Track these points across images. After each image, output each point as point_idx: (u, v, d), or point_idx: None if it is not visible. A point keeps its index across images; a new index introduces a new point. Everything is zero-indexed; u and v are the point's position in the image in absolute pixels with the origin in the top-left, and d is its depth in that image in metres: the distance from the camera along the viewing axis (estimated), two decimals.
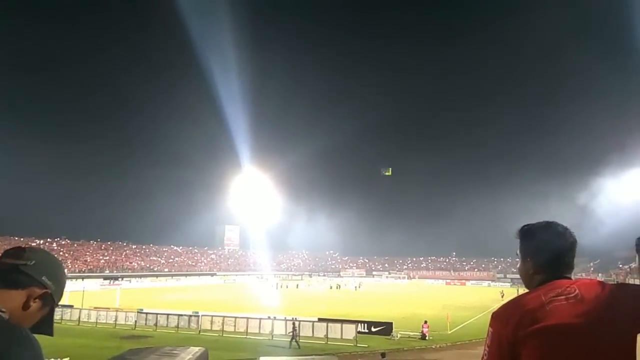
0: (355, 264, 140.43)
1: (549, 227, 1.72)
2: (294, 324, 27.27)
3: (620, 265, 75.73)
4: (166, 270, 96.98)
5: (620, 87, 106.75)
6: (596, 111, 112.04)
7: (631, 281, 57.17)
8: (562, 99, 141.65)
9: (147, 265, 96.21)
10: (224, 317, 31.45)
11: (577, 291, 1.53)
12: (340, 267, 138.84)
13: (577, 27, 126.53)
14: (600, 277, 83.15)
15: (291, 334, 26.51)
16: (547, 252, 1.67)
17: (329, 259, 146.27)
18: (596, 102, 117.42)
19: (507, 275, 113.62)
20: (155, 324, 32.41)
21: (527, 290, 1.69)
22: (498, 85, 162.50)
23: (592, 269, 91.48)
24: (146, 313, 34.37)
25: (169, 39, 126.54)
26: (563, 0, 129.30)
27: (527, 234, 1.74)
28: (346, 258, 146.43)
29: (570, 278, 1.63)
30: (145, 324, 32.80)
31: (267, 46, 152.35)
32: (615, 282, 1.76)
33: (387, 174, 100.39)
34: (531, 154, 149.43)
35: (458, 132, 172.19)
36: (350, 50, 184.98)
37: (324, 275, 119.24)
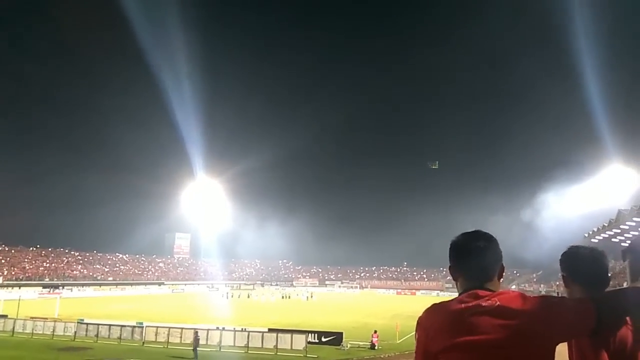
0: (308, 274, 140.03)
1: (469, 236, 1.72)
2: (196, 332, 26.74)
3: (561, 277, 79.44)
4: (110, 279, 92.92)
5: (564, 106, 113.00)
6: (542, 128, 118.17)
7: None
8: (510, 114, 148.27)
9: (90, 274, 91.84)
10: (170, 328, 30.41)
11: (498, 303, 1.53)
12: (293, 276, 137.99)
13: (522, 47, 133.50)
14: (542, 288, 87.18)
15: (193, 343, 25.81)
16: (467, 262, 1.68)
17: (282, 269, 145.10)
18: (542, 119, 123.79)
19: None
20: (97, 335, 31.02)
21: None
22: (450, 98, 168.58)
23: (535, 279, 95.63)
24: (87, 323, 32.93)
25: (116, 42, 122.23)
26: (510, 19, 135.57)
27: (452, 244, 1.75)
28: (299, 267, 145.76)
29: (492, 289, 1.62)
30: (86, 335, 31.40)
31: (221, 52, 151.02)
32: (539, 294, 1.81)
33: (433, 167, 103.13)
34: (480, 168, 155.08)
35: (410, 143, 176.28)
36: (304, 57, 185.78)
37: (277, 285, 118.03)
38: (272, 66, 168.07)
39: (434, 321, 1.59)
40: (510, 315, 1.50)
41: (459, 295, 1.66)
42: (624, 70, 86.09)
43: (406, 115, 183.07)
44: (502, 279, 1.72)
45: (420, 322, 1.64)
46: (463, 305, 1.57)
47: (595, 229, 53.47)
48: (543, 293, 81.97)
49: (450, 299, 1.68)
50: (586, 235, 58.75)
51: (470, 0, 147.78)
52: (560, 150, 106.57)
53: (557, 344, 1.58)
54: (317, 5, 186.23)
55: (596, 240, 55.71)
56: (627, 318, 1.79)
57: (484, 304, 1.55)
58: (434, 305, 1.66)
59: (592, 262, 1.95)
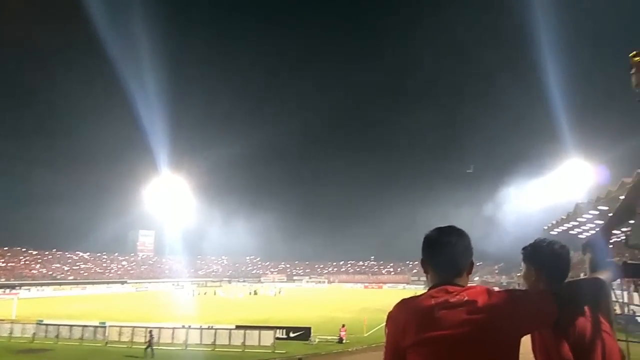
0: (276, 270, 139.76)
1: (442, 231, 1.75)
2: (150, 331, 26.48)
3: (522, 268, 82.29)
4: (71, 278, 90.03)
5: (526, 101, 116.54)
6: (504, 122, 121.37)
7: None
8: (474, 109, 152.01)
9: (49, 273, 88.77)
10: (134, 327, 29.73)
11: (466, 298, 1.57)
12: (261, 272, 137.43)
13: (484, 43, 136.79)
14: (503, 279, 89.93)
15: (148, 342, 25.50)
16: (438, 256, 1.71)
17: (250, 265, 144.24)
18: (504, 114, 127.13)
19: (421, 278, 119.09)
20: (57, 336, 29.98)
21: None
22: (414, 94, 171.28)
23: (497, 271, 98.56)
24: (46, 324, 31.74)
25: (74, 32, 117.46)
26: (473, 16, 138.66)
27: (425, 238, 1.77)
28: (267, 263, 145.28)
29: (461, 284, 1.66)
30: (46, 336, 30.31)
31: (186, 45, 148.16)
32: (505, 288, 1.84)
33: (469, 171, 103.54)
34: (444, 162, 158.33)
35: (376, 138, 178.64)
36: (271, 53, 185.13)
37: (244, 282, 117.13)
38: (238, 61, 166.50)
39: (403, 316, 1.62)
40: (477, 309, 1.54)
41: (429, 289, 1.68)
42: (583, 67, 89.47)
43: (371, 110, 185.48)
44: (470, 274, 1.74)
45: (390, 316, 1.67)
46: (432, 300, 1.59)
47: (554, 222, 55.37)
48: (504, 284, 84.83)
49: (419, 294, 1.69)
50: (545, 227, 60.80)
51: None
52: (522, 145, 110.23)
53: (522, 336, 1.63)
54: (286, 1, 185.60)
55: (555, 233, 57.80)
56: (586, 308, 1.85)
57: (452, 299, 1.58)
58: (404, 300, 1.68)
59: (553, 255, 1.99)
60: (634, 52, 1.93)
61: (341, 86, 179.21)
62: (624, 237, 2.25)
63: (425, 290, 1.71)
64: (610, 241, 2.15)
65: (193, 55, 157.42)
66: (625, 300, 26.21)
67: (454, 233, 1.73)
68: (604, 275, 1.84)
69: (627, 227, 2.20)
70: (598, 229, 2.20)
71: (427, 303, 1.59)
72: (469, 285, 1.67)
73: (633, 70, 1.96)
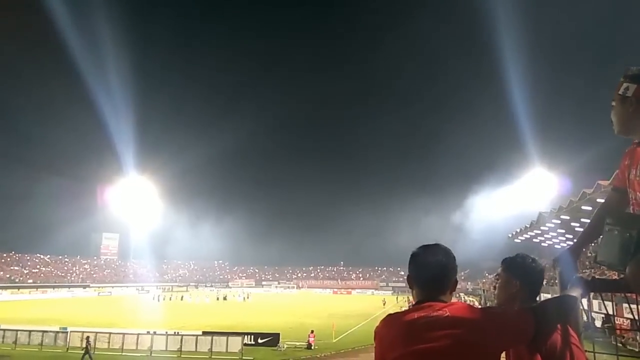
0: (244, 274, 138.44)
1: (428, 250, 1.82)
2: (87, 338, 25.87)
3: (487, 275, 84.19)
4: (30, 281, 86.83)
5: (491, 111, 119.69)
6: (470, 132, 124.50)
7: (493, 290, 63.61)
8: (441, 118, 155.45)
9: (7, 276, 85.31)
10: (97, 332, 28.81)
11: (447, 313, 1.62)
12: (229, 277, 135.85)
13: (451, 53, 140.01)
14: (469, 285, 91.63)
15: (84, 349, 24.88)
16: (424, 274, 1.78)
17: (217, 269, 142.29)
18: (470, 123, 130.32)
19: (389, 284, 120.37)
20: (15, 342, 28.75)
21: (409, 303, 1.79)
22: (382, 101, 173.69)
23: (462, 277, 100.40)
24: (4, 330, 30.41)
25: (35, 32, 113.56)
26: (440, 25, 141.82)
27: (412, 255, 1.84)
28: (235, 268, 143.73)
29: (444, 301, 1.72)
30: (3, 341, 29.14)
31: (152, 49, 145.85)
32: (485, 306, 1.95)
33: None
34: (413, 170, 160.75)
35: (344, 144, 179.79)
36: (239, 57, 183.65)
37: (212, 287, 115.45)
38: (206, 64, 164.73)
39: (388, 331, 1.69)
40: (458, 325, 1.60)
41: (414, 305, 1.75)
42: (547, 79, 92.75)
43: (340, 116, 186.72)
44: (454, 292, 1.81)
45: (377, 332, 1.73)
46: (416, 315, 1.65)
47: (518, 230, 56.94)
48: (470, 290, 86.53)
49: (404, 309, 1.77)
50: (510, 235, 62.46)
51: (402, 5, 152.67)
52: (488, 154, 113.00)
53: (501, 352, 1.71)
54: (252, 5, 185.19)
55: (519, 241, 59.42)
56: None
57: (434, 314, 1.64)
58: (389, 315, 1.75)
59: (539, 272, 2.11)
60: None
61: (310, 91, 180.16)
62: (591, 253, 2.37)
63: (409, 306, 1.80)
64: (579, 258, 2.26)
65: (160, 58, 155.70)
66: (586, 307, 27.15)
67: (440, 252, 1.80)
68: (576, 292, 1.94)
69: (594, 244, 2.31)
70: (568, 247, 2.30)
71: (411, 318, 1.65)
72: (451, 301, 1.75)
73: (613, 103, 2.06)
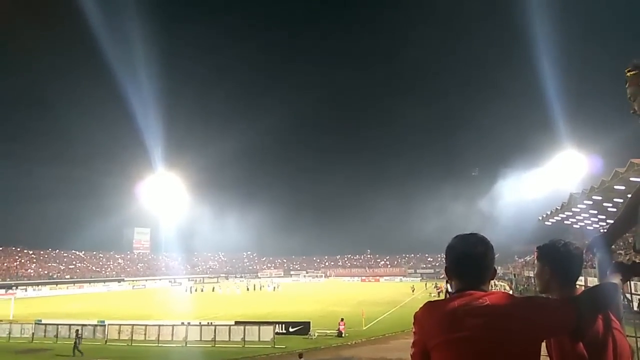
0: (273, 265, 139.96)
1: (465, 240, 1.83)
2: (77, 330, 26.42)
3: (517, 259, 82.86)
4: (67, 277, 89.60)
5: (521, 93, 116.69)
6: (500, 115, 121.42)
7: (527, 273, 62.55)
8: (469, 102, 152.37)
9: (46, 272, 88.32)
10: (133, 325, 29.71)
11: (487, 302, 1.65)
12: (258, 268, 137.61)
13: (480, 36, 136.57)
14: (499, 269, 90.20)
15: (75, 341, 25.48)
16: (464, 267, 1.79)
17: (246, 261, 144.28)
18: (499, 106, 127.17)
19: (417, 271, 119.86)
20: (56, 336, 29.80)
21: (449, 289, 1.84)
22: (409, 87, 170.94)
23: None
24: (45, 324, 31.54)
25: (68, 31, 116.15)
26: (469, 5, 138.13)
27: (448, 247, 1.85)
28: (264, 259, 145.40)
29: (484, 290, 1.74)
30: (45, 336, 30.15)
31: (180, 44, 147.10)
32: (526, 295, 1.95)
33: (474, 174, 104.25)
34: (440, 156, 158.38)
35: (372, 131, 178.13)
36: (266, 48, 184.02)
37: (241, 277, 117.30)
38: (231, 59, 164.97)
39: (429, 318, 1.73)
40: (498, 313, 1.64)
41: (453, 294, 1.77)
42: (577, 59, 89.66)
43: (367, 104, 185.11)
44: (493, 280, 1.81)
45: (417, 318, 1.76)
46: (456, 303, 1.68)
47: (549, 212, 55.72)
48: (499, 274, 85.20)
49: (444, 298, 1.82)
50: (540, 218, 61.23)
51: None
52: (517, 137, 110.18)
53: (542, 342, 1.73)
54: (274, 4, 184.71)
55: (549, 223, 58.20)
56: None
57: (474, 302, 1.67)
58: (430, 303, 1.80)
59: (570, 257, 2.02)
60: (628, 68, 2.03)
61: (337, 81, 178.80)
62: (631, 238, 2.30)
63: (438, 293, 1.81)
64: (614, 244, 2.19)
65: (186, 54, 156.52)
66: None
67: (479, 243, 1.81)
68: (616, 279, 1.91)
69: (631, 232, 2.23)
70: (603, 232, 2.24)
71: (452, 306, 1.68)
72: (491, 290, 1.77)
73: (627, 84, 2.05)
